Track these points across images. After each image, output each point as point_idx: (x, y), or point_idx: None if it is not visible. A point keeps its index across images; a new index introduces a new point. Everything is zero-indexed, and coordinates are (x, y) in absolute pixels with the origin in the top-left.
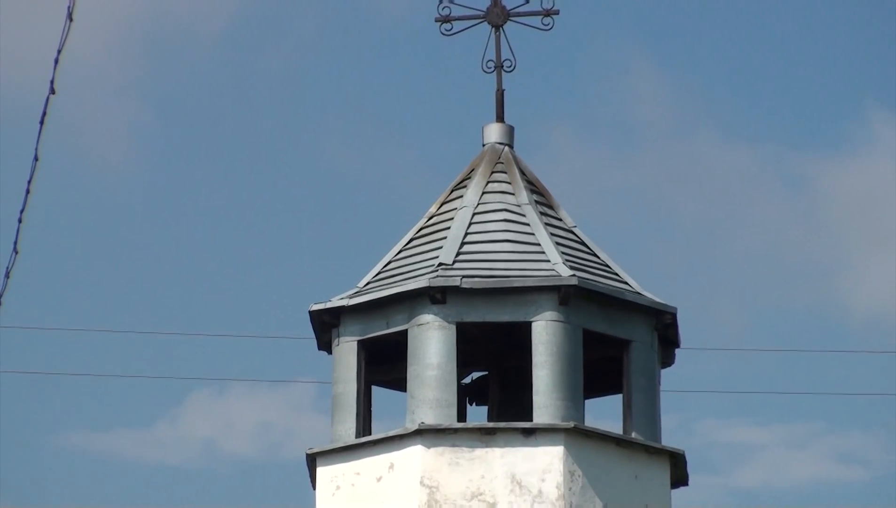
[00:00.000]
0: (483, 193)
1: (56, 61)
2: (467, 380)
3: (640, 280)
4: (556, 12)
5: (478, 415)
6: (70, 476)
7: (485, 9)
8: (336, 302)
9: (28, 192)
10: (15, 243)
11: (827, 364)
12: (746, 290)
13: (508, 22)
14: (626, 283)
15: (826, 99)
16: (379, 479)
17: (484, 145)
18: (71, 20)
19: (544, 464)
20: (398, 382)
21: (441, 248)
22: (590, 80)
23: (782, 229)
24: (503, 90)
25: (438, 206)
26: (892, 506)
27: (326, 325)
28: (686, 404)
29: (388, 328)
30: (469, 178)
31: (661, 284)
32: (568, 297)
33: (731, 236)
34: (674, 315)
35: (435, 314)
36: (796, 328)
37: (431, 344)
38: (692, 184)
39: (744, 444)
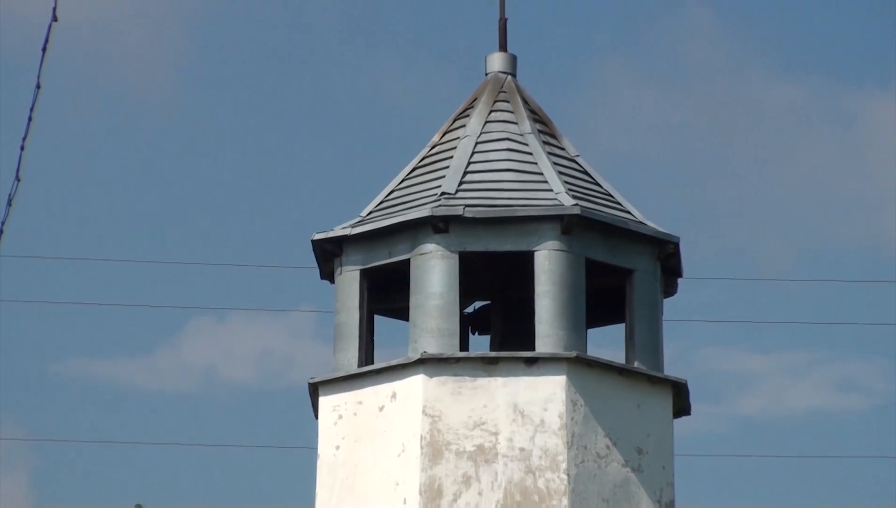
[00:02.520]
0: (486, 122)
1: None
2: (470, 310)
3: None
4: None
5: (480, 345)
6: (71, 403)
7: None
8: (338, 231)
9: (30, 119)
10: (17, 170)
11: (828, 294)
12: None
13: None
14: (629, 212)
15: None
16: (381, 408)
17: (487, 75)
18: None
19: (546, 394)
20: (400, 311)
21: (444, 177)
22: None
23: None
24: (506, 19)
25: (441, 135)
26: (892, 434)
27: (329, 254)
28: (687, 333)
29: (390, 257)
30: (472, 107)
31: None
32: (570, 226)
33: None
34: (676, 245)
35: (437, 244)
36: (807, 259)
37: (434, 274)
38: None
39: (744, 372)
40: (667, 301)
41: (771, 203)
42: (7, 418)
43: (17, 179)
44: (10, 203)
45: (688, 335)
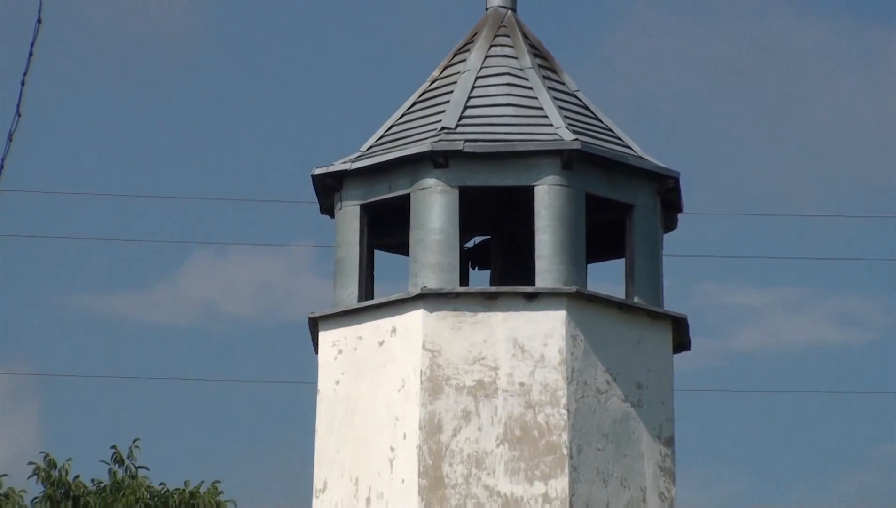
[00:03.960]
0: (486, 56)
1: None
2: (470, 244)
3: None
4: None
5: (480, 279)
6: (71, 337)
7: None
8: (339, 166)
9: (31, 54)
10: (18, 105)
11: (827, 229)
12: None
13: None
14: (629, 147)
15: None
16: (381, 343)
17: (487, 9)
18: None
19: (546, 328)
20: (401, 246)
21: (444, 112)
22: None
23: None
24: None
25: (441, 70)
26: (890, 369)
27: (329, 189)
28: (686, 267)
29: (390, 192)
30: (472, 42)
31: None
32: (571, 161)
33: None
34: (676, 180)
35: (437, 179)
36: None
37: (434, 208)
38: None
39: (743, 307)
40: (667, 236)
41: (783, 140)
42: (10, 353)
43: (18, 114)
44: (10, 138)
45: (687, 270)
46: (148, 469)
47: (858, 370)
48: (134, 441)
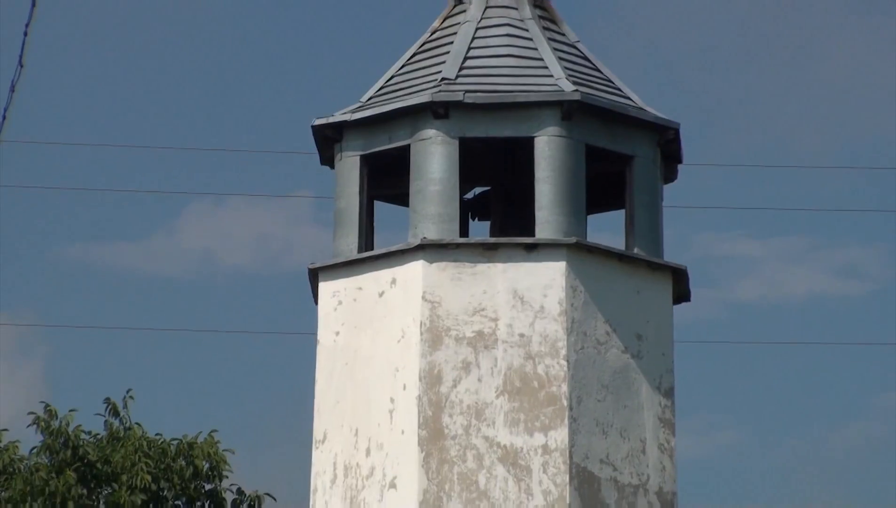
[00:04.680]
0: (486, 7)
1: None
2: (470, 196)
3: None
4: None
5: (480, 230)
6: (69, 287)
7: None
8: (339, 117)
9: (34, 5)
10: (20, 56)
11: (827, 180)
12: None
13: None
14: (629, 98)
15: None
16: (381, 294)
17: None
18: None
19: (546, 279)
20: (401, 197)
21: (444, 63)
22: None
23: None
24: None
25: (441, 20)
26: (890, 320)
27: (329, 140)
28: (686, 218)
29: (390, 143)
30: None
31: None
32: (570, 112)
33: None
34: (676, 131)
35: (437, 129)
36: (807, 146)
37: (434, 159)
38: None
39: (743, 258)
40: (667, 187)
41: (783, 91)
42: (6, 302)
43: (20, 65)
44: (12, 89)
45: (687, 222)
46: (139, 425)
47: (858, 321)
48: (127, 392)
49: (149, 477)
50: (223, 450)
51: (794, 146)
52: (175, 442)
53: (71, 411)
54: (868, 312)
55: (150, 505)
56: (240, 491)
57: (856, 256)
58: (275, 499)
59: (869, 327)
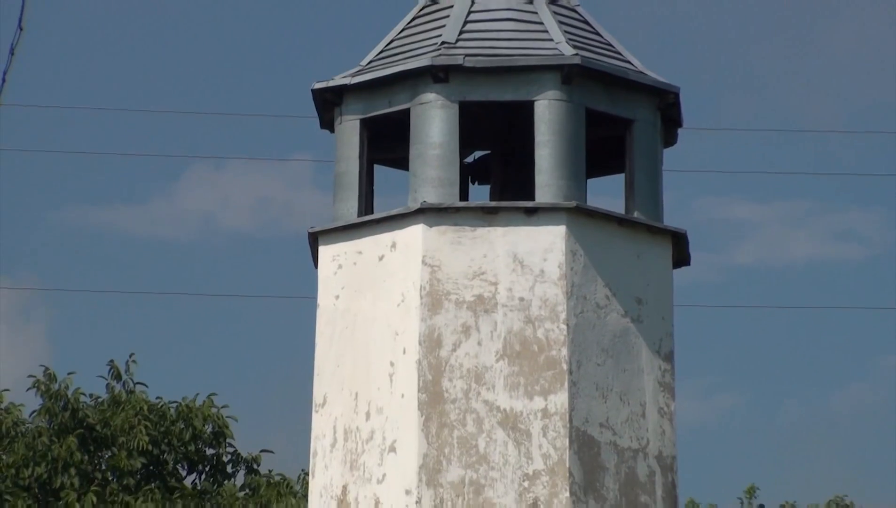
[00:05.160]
0: None
1: None
2: (470, 159)
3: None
4: None
5: (480, 194)
6: (69, 251)
7: None
8: (338, 80)
9: None
10: (19, 20)
11: (826, 144)
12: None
13: None
14: (630, 62)
15: None
16: (381, 258)
17: None
18: None
19: (546, 243)
20: (401, 161)
21: (444, 26)
22: None
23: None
24: None
25: None
26: (888, 284)
27: (329, 104)
28: (686, 182)
29: (390, 106)
30: None
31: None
32: (571, 76)
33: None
34: (676, 95)
35: (437, 93)
36: (806, 111)
37: (434, 123)
38: None
39: (743, 222)
40: (667, 151)
41: (784, 56)
42: (11, 267)
43: (20, 28)
44: (12, 52)
45: (687, 185)
46: (146, 386)
47: (857, 284)
48: (130, 356)
49: (146, 439)
50: (224, 414)
51: (793, 111)
52: (174, 405)
53: (70, 374)
54: (867, 276)
55: (150, 469)
56: (236, 454)
57: (855, 220)
58: (272, 452)
59: (868, 291)
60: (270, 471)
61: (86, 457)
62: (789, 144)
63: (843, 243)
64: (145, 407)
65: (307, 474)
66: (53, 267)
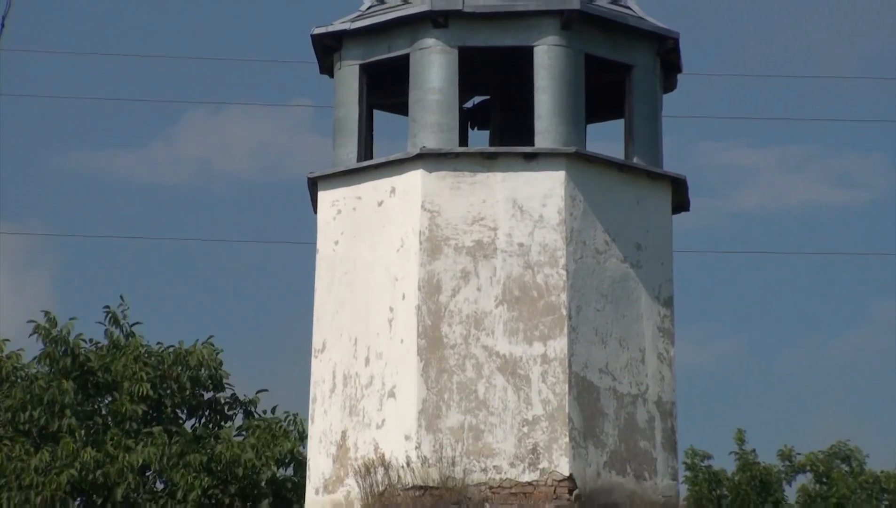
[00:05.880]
0: None
1: None
2: (469, 105)
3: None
4: None
5: (480, 140)
6: (68, 195)
7: None
8: (338, 26)
9: None
10: None
11: (825, 89)
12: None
13: None
14: (629, 8)
15: None
16: (380, 203)
17: None
18: None
19: (546, 189)
20: (400, 106)
21: None
22: None
23: None
24: None
25: None
26: (888, 229)
27: (328, 49)
28: (685, 128)
29: (390, 52)
30: None
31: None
32: (570, 21)
33: None
34: (676, 40)
35: (437, 39)
36: (805, 55)
37: (433, 68)
38: None
39: (742, 167)
40: (666, 97)
41: (785, 2)
42: (13, 213)
43: None
44: None
45: (687, 131)
46: (141, 323)
47: (856, 230)
48: (122, 300)
49: (148, 385)
50: (220, 357)
51: (793, 56)
52: (171, 349)
53: (71, 319)
54: (866, 221)
55: (151, 414)
56: (234, 397)
57: (854, 165)
58: (267, 390)
59: (867, 236)
60: (265, 411)
61: (85, 401)
62: (789, 89)
63: (843, 188)
64: (144, 353)
65: (295, 416)
66: (55, 213)
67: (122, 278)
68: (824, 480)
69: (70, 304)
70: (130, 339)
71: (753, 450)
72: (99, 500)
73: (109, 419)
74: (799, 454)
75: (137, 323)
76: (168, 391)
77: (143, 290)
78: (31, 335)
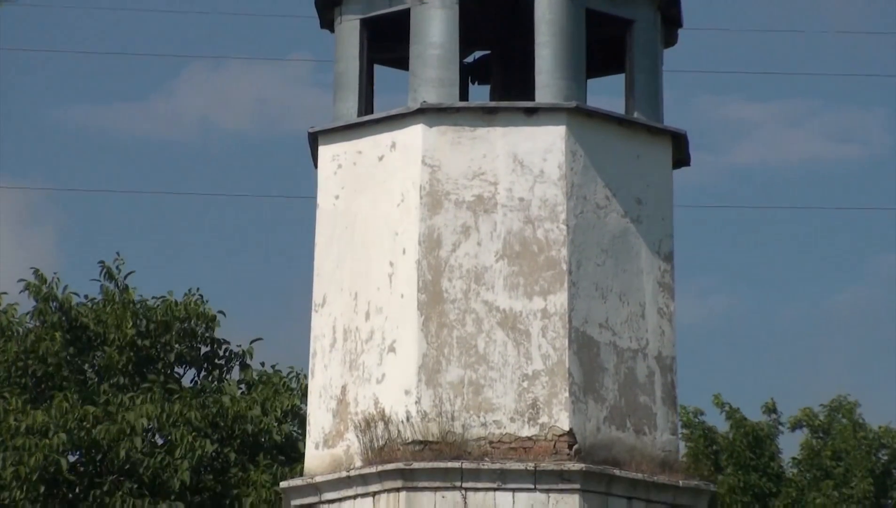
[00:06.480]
0: None
1: None
2: (470, 59)
3: None
4: None
5: (480, 94)
6: (69, 150)
7: None
8: None
9: None
10: None
11: (825, 44)
12: None
13: None
14: None
15: None
16: (381, 158)
17: None
18: None
19: (546, 144)
20: (401, 61)
21: None
22: None
23: None
24: None
25: None
26: (887, 184)
27: (329, 3)
28: (686, 82)
29: (390, 6)
30: None
31: None
32: None
33: None
34: None
35: None
36: (808, 10)
37: (434, 23)
38: None
39: (742, 121)
40: (667, 52)
41: None
42: (7, 165)
43: None
44: None
45: (687, 85)
46: (133, 272)
47: (855, 185)
48: (118, 256)
49: (133, 331)
50: (209, 308)
51: (793, 10)
52: (160, 301)
53: (55, 274)
54: (865, 176)
55: (142, 369)
56: (229, 351)
57: (854, 120)
58: (261, 339)
59: (866, 191)
60: (263, 364)
61: (76, 355)
62: (790, 43)
63: (843, 143)
64: (133, 303)
65: (298, 373)
66: (56, 167)
67: (123, 233)
68: (820, 435)
69: (72, 259)
70: (125, 293)
71: (738, 409)
72: (98, 456)
73: (101, 373)
74: (781, 412)
75: (131, 273)
76: (160, 344)
77: (144, 245)
78: (21, 293)
